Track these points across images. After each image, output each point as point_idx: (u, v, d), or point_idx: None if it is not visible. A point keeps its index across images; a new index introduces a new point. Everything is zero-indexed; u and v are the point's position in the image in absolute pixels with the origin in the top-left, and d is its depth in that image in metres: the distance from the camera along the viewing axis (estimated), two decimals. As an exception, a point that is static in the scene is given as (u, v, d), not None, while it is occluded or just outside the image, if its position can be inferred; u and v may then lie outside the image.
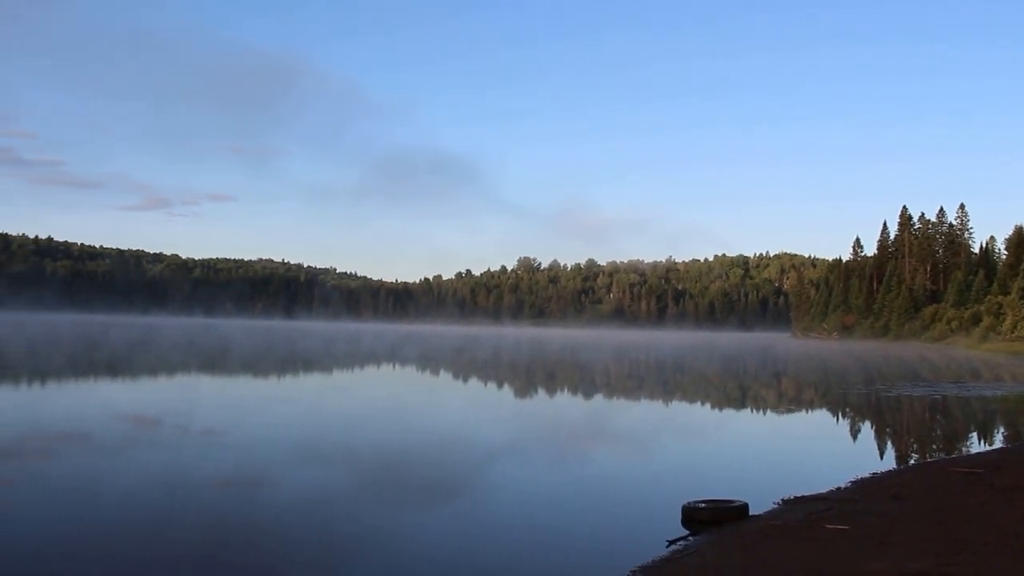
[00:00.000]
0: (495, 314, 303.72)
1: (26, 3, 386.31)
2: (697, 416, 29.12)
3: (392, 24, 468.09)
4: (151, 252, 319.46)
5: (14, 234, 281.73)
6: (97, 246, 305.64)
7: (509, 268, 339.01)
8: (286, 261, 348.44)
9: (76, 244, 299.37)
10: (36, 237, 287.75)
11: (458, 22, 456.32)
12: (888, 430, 25.52)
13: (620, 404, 33.33)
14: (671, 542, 10.45)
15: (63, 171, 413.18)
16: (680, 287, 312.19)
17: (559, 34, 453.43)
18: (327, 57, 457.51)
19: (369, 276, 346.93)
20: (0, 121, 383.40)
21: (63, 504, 12.01)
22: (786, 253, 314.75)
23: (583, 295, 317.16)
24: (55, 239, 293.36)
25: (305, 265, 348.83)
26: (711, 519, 11.43)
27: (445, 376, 47.61)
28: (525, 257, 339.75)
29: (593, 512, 12.63)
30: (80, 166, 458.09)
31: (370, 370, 50.48)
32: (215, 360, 52.41)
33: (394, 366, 54.85)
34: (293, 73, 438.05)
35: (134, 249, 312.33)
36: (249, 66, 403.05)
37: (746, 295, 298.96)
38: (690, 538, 10.69)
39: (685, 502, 11.90)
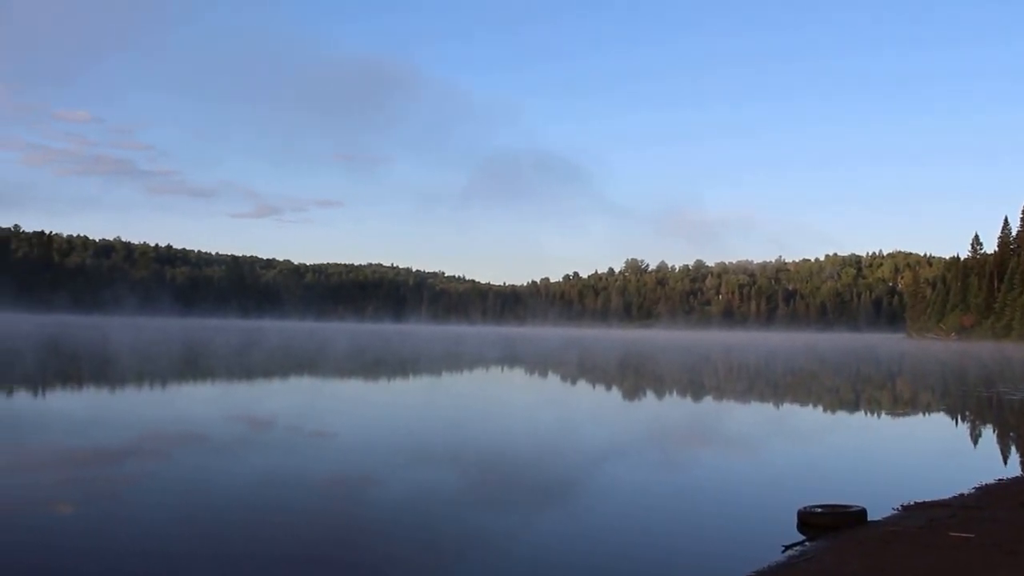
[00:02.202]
0: (603, 316, 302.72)
1: (140, 20, 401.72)
2: (810, 418, 28.50)
3: (494, 26, 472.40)
4: (264, 258, 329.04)
5: (136, 243, 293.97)
6: (213, 252, 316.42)
7: (616, 270, 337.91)
8: (395, 265, 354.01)
9: (193, 251, 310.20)
10: (156, 245, 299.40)
11: (560, 23, 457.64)
12: (1012, 434, 24.60)
13: (729, 406, 32.79)
14: (787, 547, 10.24)
15: (178, 180, 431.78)
16: (791, 287, 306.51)
17: (663, 34, 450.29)
18: (430, 61, 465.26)
19: (477, 279, 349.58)
20: (121, 135, 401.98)
21: (179, 503, 12.33)
22: (900, 252, 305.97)
23: (691, 296, 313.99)
24: (174, 246, 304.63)
25: (413, 269, 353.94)
26: (828, 524, 11.15)
27: (552, 377, 47.69)
28: (632, 259, 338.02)
29: (706, 515, 12.45)
30: (194, 175, 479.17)
31: (477, 371, 50.86)
32: (325, 362, 53.50)
33: (501, 368, 55.13)
34: (397, 78, 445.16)
35: (247, 255, 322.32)
36: (354, 72, 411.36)
37: (859, 295, 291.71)
38: (807, 543, 10.44)
39: (801, 506, 11.66)
